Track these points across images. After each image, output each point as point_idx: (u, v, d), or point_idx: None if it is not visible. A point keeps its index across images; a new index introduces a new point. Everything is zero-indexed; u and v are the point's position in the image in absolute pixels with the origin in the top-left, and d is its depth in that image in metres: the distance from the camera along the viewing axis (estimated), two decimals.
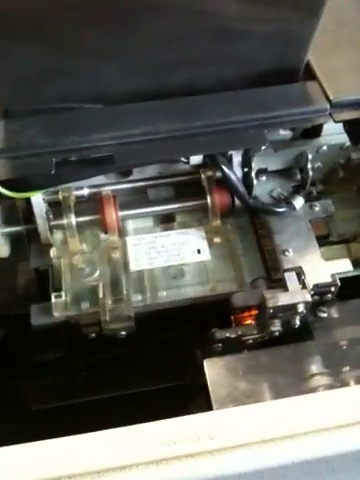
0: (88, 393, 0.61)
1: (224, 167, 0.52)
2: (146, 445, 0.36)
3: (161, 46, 0.45)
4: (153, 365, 0.61)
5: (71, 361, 0.61)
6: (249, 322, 0.52)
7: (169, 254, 0.54)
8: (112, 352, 0.59)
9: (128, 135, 0.44)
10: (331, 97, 0.47)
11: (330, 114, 0.47)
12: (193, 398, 0.55)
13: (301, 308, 0.48)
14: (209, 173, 0.55)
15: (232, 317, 0.53)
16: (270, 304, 0.47)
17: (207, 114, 0.46)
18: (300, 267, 0.50)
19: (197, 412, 0.39)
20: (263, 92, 0.48)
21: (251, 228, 0.57)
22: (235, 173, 0.54)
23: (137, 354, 0.59)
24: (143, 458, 0.36)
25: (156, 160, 0.48)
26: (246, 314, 0.53)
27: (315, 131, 0.54)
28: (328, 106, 0.47)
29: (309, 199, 0.57)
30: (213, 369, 0.47)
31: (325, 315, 0.51)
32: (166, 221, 0.57)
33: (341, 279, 0.51)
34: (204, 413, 0.38)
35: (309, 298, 0.48)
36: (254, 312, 0.52)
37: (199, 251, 0.55)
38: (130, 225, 0.57)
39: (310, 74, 0.49)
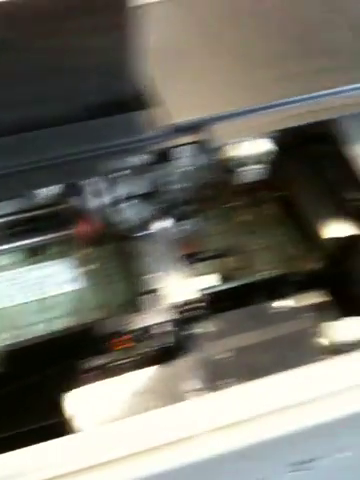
0: None
1: (83, 197, 0.52)
2: None
3: None
4: (34, 402, 0.58)
5: None
6: (124, 347, 0.52)
7: (32, 288, 0.53)
8: None
9: None
10: (173, 121, 0.49)
11: (173, 138, 0.49)
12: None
13: (168, 327, 0.48)
14: (72, 203, 0.54)
15: (107, 343, 0.53)
16: (133, 327, 0.47)
17: (46, 148, 0.46)
18: (164, 287, 0.50)
19: None
20: (106, 122, 0.48)
21: (119, 253, 0.57)
22: (96, 201, 0.54)
23: (14, 393, 0.57)
24: None
25: None
26: (122, 339, 0.53)
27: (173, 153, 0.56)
28: (171, 130, 0.49)
29: (177, 219, 0.58)
30: (76, 400, 0.46)
31: (200, 330, 0.52)
32: (34, 254, 0.56)
33: (213, 293, 0.53)
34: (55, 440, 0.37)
35: (174, 316, 0.48)
36: (128, 337, 0.52)
37: (67, 281, 0.54)
38: None
39: (154, 101, 0.50)
